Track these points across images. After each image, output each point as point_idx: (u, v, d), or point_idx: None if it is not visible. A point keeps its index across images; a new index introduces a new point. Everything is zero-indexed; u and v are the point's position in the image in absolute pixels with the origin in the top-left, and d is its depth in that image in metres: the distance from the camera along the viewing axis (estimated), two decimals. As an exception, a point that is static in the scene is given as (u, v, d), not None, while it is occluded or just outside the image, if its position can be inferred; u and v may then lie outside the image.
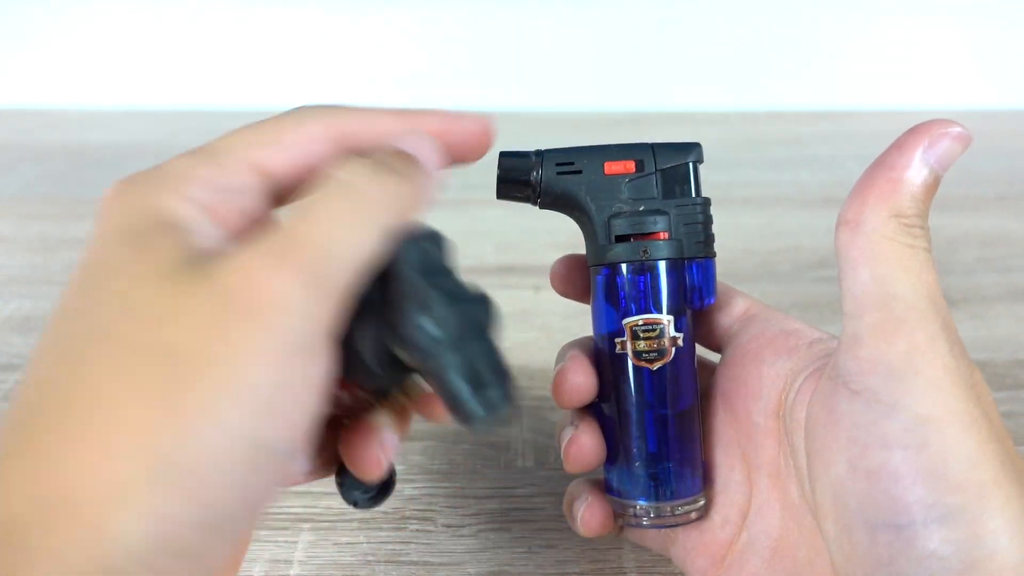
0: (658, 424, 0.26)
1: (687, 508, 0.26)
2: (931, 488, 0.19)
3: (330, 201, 0.19)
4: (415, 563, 0.30)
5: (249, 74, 0.92)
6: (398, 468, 0.36)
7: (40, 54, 0.91)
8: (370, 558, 0.31)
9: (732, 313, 0.28)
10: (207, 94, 0.92)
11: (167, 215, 0.19)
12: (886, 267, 0.21)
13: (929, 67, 0.91)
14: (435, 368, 0.19)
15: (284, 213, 0.22)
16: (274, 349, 0.17)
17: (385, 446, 0.23)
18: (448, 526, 0.32)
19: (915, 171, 0.22)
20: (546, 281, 0.29)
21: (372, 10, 0.89)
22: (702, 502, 0.26)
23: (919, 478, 0.19)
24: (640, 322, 0.25)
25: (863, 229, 0.22)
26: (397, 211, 0.20)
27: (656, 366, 0.26)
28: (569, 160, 0.26)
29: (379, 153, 0.21)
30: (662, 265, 0.25)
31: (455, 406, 0.18)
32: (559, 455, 0.27)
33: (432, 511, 0.33)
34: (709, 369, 0.29)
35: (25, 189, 0.69)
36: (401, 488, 0.35)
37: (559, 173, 0.26)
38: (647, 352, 0.25)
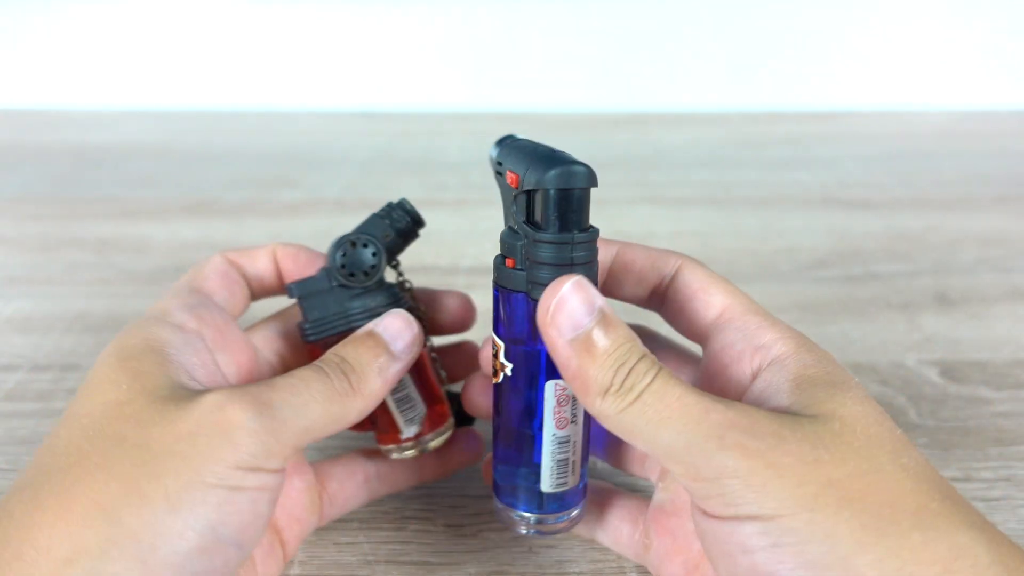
0: (501, 433, 0.27)
1: (522, 518, 0.27)
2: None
3: (294, 381, 0.24)
4: (415, 563, 0.30)
5: (249, 74, 0.92)
6: (398, 468, 0.36)
7: (40, 54, 0.92)
8: (370, 558, 0.31)
9: (709, 314, 0.27)
10: (207, 94, 0.92)
11: (153, 341, 0.25)
12: (654, 436, 0.21)
13: (929, 67, 0.91)
14: None
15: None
16: (234, 459, 0.21)
17: None
18: (449, 526, 0.32)
19: (561, 353, 0.23)
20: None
21: (372, 10, 0.89)
22: (560, 517, 0.27)
23: (784, 570, 0.20)
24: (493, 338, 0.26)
25: (601, 415, 0.22)
26: (335, 415, 0.24)
27: (497, 380, 0.27)
28: (499, 160, 0.26)
29: (350, 350, 0.26)
30: (501, 291, 0.25)
31: None
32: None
33: (432, 511, 0.33)
34: (694, 363, 0.29)
35: (25, 189, 0.69)
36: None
37: (497, 173, 0.26)
38: (494, 366, 0.27)
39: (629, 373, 0.22)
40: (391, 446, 0.30)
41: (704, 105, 0.92)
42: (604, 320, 0.22)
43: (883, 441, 0.21)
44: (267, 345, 0.31)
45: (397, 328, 0.27)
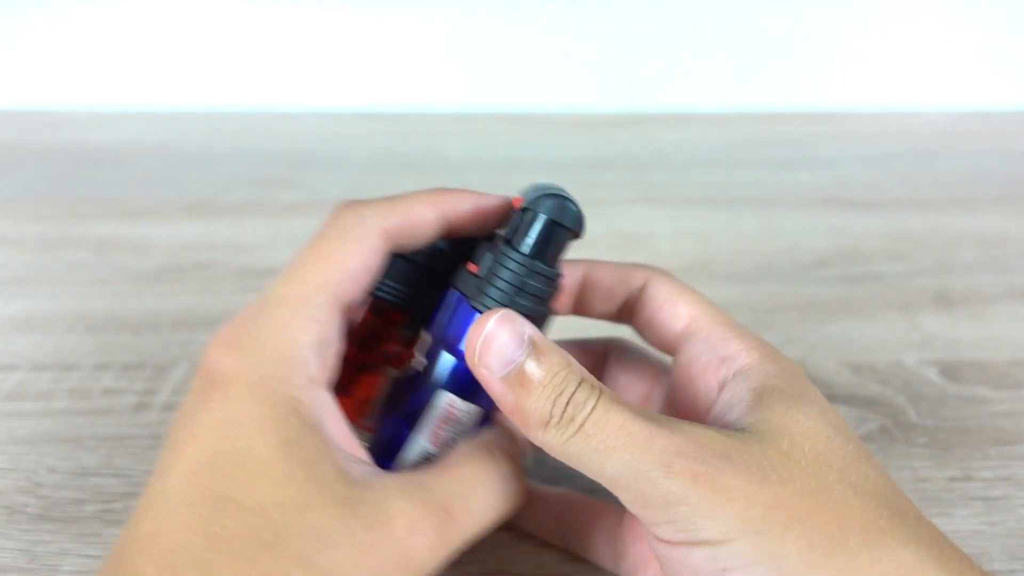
0: (379, 425, 0.27)
1: None
2: None
3: (469, 473, 0.23)
4: (415, 563, 0.30)
5: (249, 74, 0.92)
6: (398, 468, 0.36)
7: (40, 54, 0.91)
8: (370, 558, 0.31)
9: (676, 325, 0.26)
10: (208, 95, 0.92)
11: (307, 413, 0.21)
12: (592, 460, 0.21)
13: (929, 67, 0.91)
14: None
15: None
16: None
17: None
18: (448, 526, 0.32)
19: (496, 390, 0.22)
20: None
21: (372, 10, 0.89)
22: None
23: None
24: None
25: (546, 447, 0.22)
26: (508, 507, 0.24)
27: (399, 373, 0.27)
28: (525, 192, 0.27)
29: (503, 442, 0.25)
30: (450, 289, 0.25)
31: None
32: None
33: (432, 511, 0.33)
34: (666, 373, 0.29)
35: (26, 189, 0.69)
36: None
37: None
38: (403, 357, 0.28)
39: (568, 403, 0.21)
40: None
41: (704, 105, 0.92)
42: (536, 350, 0.22)
43: (831, 458, 0.21)
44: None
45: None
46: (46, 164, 0.75)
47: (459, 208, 0.26)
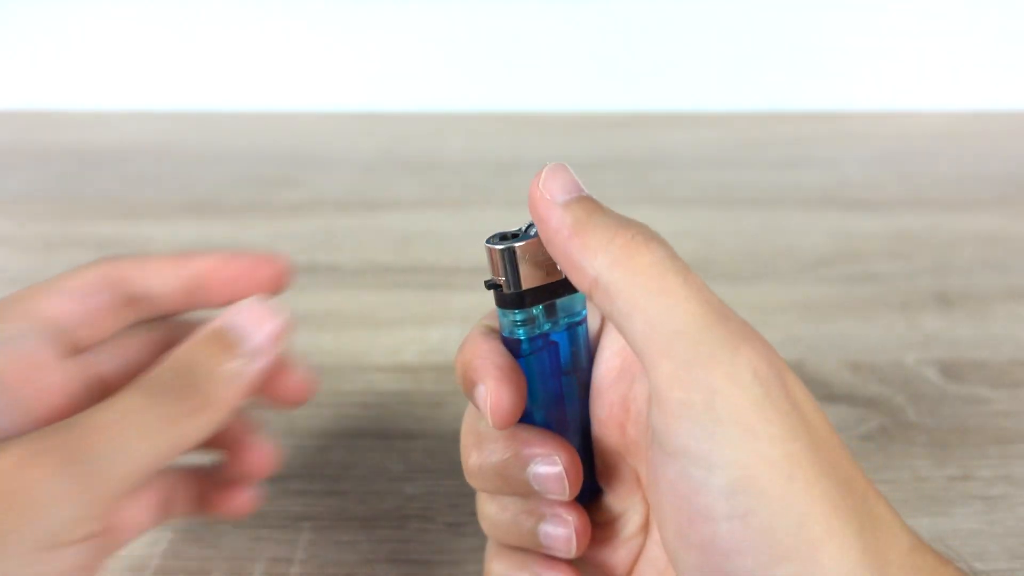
0: None
1: None
2: (759, 560, 0.17)
3: (111, 415, 0.20)
4: (415, 562, 0.30)
5: (249, 74, 0.92)
6: (398, 467, 0.36)
7: (41, 55, 0.92)
8: (370, 557, 0.31)
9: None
10: (208, 95, 0.92)
11: None
12: (650, 306, 0.19)
13: (929, 68, 0.91)
14: None
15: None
16: (32, 540, 0.18)
17: None
18: (449, 524, 0.32)
19: (556, 216, 0.21)
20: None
21: (371, 10, 0.89)
22: None
23: (747, 550, 0.17)
24: None
25: (601, 282, 0.20)
26: (173, 444, 0.21)
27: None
28: None
29: (190, 355, 0.22)
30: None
31: None
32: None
33: (433, 509, 0.33)
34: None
35: (26, 190, 0.69)
36: (401, 486, 0.35)
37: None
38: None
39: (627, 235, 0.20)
40: None
41: (704, 105, 0.92)
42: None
43: None
44: (135, 353, 0.25)
45: (254, 319, 0.23)
46: (47, 164, 0.75)
47: (202, 268, 0.25)
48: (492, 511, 0.24)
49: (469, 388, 0.23)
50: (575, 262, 0.20)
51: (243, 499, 0.28)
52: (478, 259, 0.55)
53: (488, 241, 0.23)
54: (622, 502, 0.25)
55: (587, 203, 0.21)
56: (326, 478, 0.36)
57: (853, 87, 0.92)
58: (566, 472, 0.22)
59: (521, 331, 0.23)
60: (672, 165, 0.75)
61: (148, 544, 0.32)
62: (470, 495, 0.34)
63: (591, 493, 0.25)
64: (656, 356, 0.18)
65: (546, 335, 0.23)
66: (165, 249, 0.57)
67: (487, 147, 0.80)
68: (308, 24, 0.90)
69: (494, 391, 0.22)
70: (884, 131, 0.84)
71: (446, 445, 0.37)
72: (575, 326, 0.24)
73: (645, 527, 0.24)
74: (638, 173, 0.72)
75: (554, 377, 0.24)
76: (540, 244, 0.22)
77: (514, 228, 0.23)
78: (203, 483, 0.28)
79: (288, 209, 0.64)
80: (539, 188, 0.21)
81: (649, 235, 0.21)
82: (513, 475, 0.23)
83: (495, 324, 0.24)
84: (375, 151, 0.79)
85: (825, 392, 0.41)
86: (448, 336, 0.46)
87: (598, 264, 0.20)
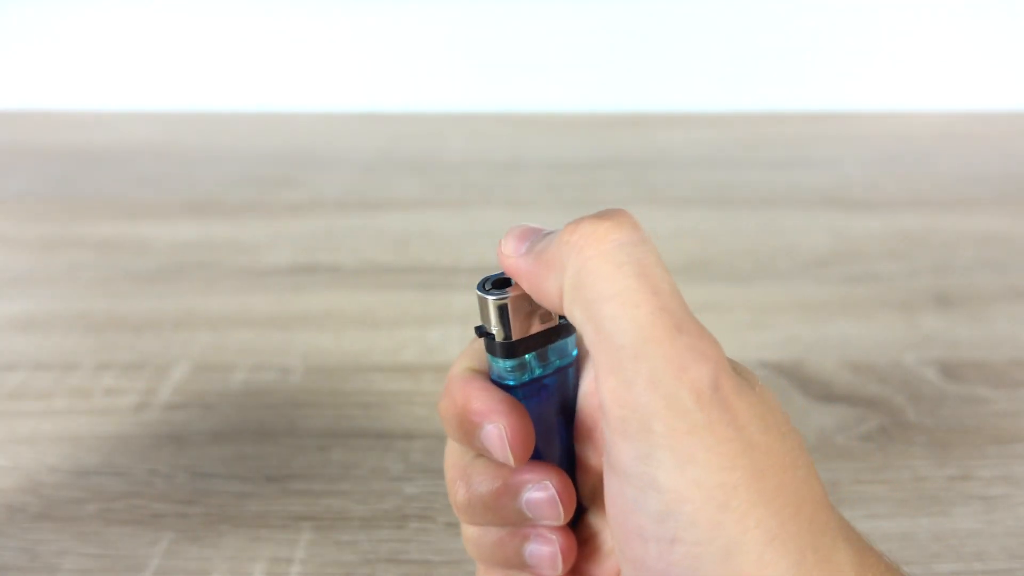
0: None
1: None
2: None
3: None
4: (416, 562, 0.31)
5: (249, 74, 0.92)
6: (398, 467, 0.36)
7: (41, 55, 0.92)
8: (370, 557, 0.31)
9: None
10: (208, 96, 0.92)
11: None
12: (599, 313, 0.18)
13: (929, 68, 0.91)
14: None
15: None
16: None
17: None
18: (449, 524, 0.32)
19: (521, 264, 0.20)
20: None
21: (371, 11, 0.89)
22: None
23: (674, 575, 0.17)
24: None
25: (566, 297, 0.19)
26: None
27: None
28: None
29: None
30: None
31: None
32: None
33: (433, 509, 0.33)
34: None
35: (27, 190, 0.69)
36: (401, 486, 0.35)
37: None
38: None
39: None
40: None
41: (704, 105, 0.92)
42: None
43: None
44: None
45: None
46: (47, 164, 0.75)
47: None
48: (475, 534, 0.24)
49: (470, 430, 0.22)
50: (544, 290, 0.20)
51: None
52: (478, 259, 0.55)
53: (478, 288, 0.22)
54: (603, 517, 0.24)
55: (538, 234, 0.21)
56: (326, 478, 0.36)
57: (853, 87, 0.92)
58: (559, 496, 0.22)
59: (511, 378, 0.23)
60: (671, 165, 0.75)
61: (148, 544, 0.32)
62: (470, 495, 0.34)
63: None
64: (602, 369, 0.18)
65: (537, 380, 0.23)
66: (165, 249, 0.57)
67: (487, 147, 0.80)
68: (308, 24, 0.90)
69: (510, 428, 0.21)
70: (884, 131, 0.84)
71: (446, 445, 0.37)
72: (566, 368, 0.23)
73: None
74: (638, 173, 0.72)
75: (545, 418, 0.23)
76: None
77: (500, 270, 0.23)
78: None
79: (288, 209, 0.64)
80: (501, 251, 0.21)
81: (604, 227, 0.20)
82: (505, 504, 0.22)
83: (474, 364, 0.24)
84: (375, 151, 0.79)
85: (825, 392, 0.41)
86: (448, 336, 0.46)
87: (557, 277, 0.19)
